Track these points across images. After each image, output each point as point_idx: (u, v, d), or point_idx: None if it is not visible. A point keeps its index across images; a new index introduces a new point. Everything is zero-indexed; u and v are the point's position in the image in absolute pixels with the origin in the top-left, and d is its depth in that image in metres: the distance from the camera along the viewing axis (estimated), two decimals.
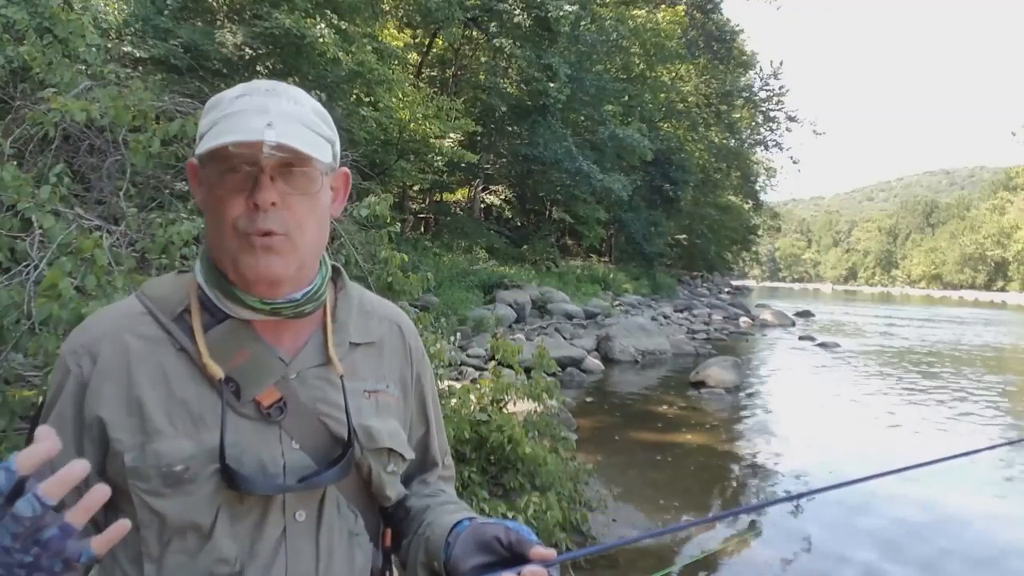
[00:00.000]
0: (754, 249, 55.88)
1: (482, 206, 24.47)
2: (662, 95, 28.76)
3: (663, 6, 28.28)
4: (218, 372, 0.86)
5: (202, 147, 0.84)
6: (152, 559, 0.83)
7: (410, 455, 1.01)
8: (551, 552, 0.81)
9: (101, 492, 0.65)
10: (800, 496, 1.06)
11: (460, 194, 24.41)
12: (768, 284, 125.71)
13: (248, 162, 0.83)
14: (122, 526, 0.66)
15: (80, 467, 0.63)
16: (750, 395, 10.28)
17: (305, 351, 0.94)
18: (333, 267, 1.00)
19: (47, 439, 0.65)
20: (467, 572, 0.83)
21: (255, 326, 0.91)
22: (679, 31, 26.80)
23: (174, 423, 0.84)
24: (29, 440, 0.90)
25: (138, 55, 9.38)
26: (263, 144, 0.80)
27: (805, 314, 28.74)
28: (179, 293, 0.91)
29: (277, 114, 0.84)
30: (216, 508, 0.83)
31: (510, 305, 14.33)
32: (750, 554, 4.58)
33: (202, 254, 0.93)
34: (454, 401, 4.03)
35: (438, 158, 16.94)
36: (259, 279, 0.86)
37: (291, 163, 0.85)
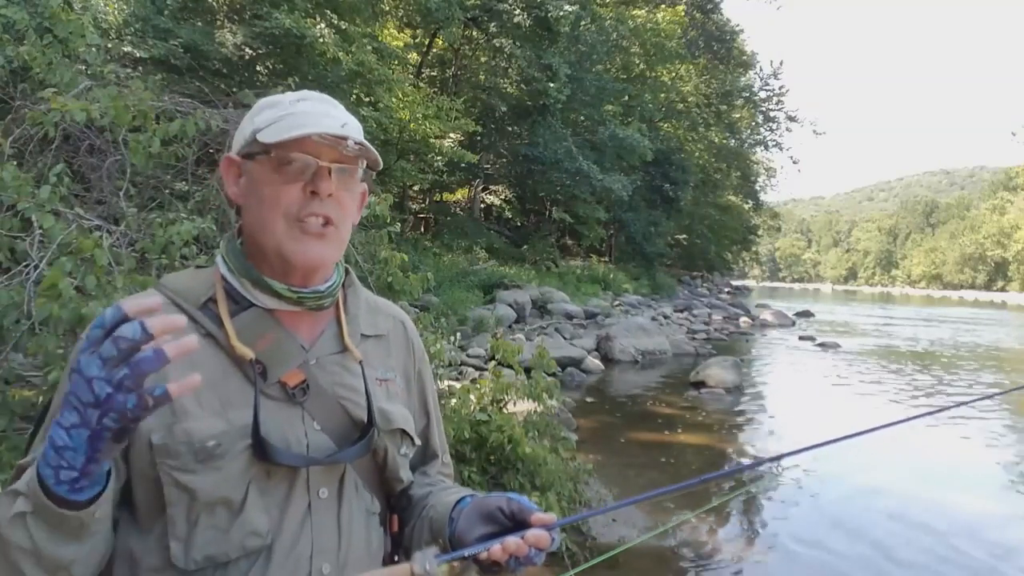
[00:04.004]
0: (754, 249, 55.80)
1: (482, 206, 24.46)
2: (662, 95, 28.73)
3: (663, 6, 28.23)
4: (248, 353, 0.90)
5: (273, 136, 0.89)
6: (179, 539, 0.85)
7: (418, 440, 1.07)
8: (551, 516, 0.86)
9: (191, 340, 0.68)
10: (779, 457, 1.17)
11: (460, 194, 24.40)
12: (768, 284, 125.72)
13: (312, 154, 0.90)
14: (196, 379, 0.69)
15: (181, 319, 0.67)
16: (750, 395, 10.28)
17: (323, 339, 0.99)
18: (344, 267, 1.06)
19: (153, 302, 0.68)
20: (472, 542, 0.87)
21: (276, 315, 0.95)
22: (679, 31, 26.74)
23: (202, 404, 0.87)
24: (31, 442, 0.90)
25: (138, 55, 9.37)
26: (348, 139, 0.90)
27: (805, 314, 28.73)
28: (203, 284, 0.95)
29: (343, 119, 0.93)
30: (247, 483, 0.86)
31: (510, 305, 14.31)
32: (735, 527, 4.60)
33: (227, 248, 0.97)
34: (454, 401, 4.02)
35: (438, 158, 16.94)
36: (304, 264, 0.92)
37: (344, 162, 0.92)
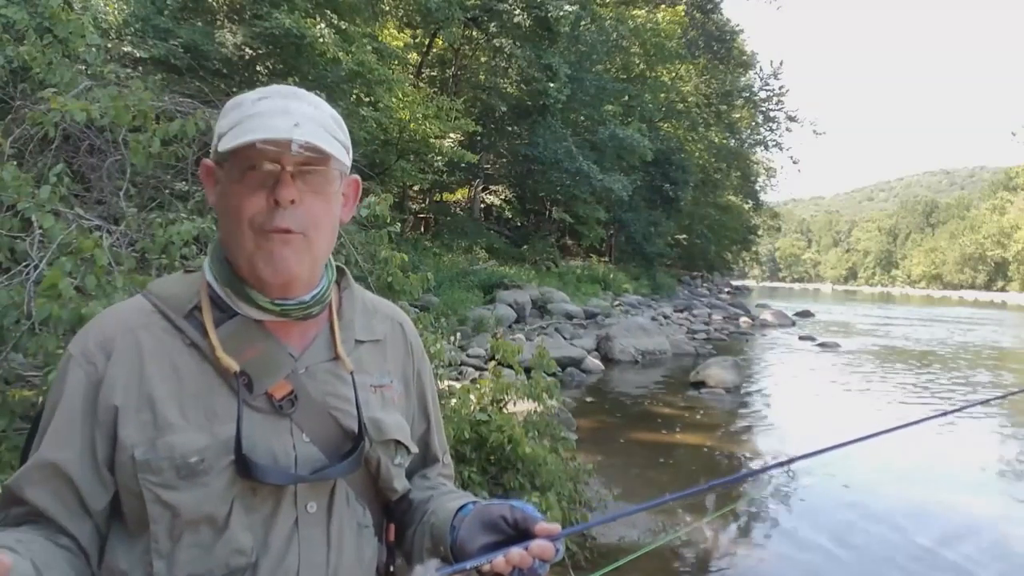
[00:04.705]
0: (754, 249, 55.84)
1: (482, 206, 24.45)
2: (662, 95, 28.73)
3: (663, 6, 28.25)
4: (233, 365, 0.87)
5: (226, 144, 0.84)
6: (162, 556, 0.83)
7: (414, 448, 1.03)
8: (556, 526, 0.84)
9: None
10: (790, 461, 1.13)
11: (460, 194, 24.41)
12: (768, 284, 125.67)
13: (271, 160, 0.84)
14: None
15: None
16: (750, 395, 10.28)
17: (314, 347, 0.95)
18: (337, 268, 1.02)
19: None
20: (475, 552, 0.84)
21: (264, 323, 0.92)
22: (679, 31, 26.77)
23: (186, 416, 0.85)
24: (28, 445, 0.89)
25: (138, 55, 9.37)
26: (291, 142, 0.82)
27: (805, 314, 28.76)
28: (189, 291, 0.92)
29: (301, 115, 0.86)
30: (231, 500, 0.84)
31: (510, 305, 14.31)
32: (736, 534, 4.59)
33: (212, 253, 0.94)
34: (454, 401, 4.02)
35: (438, 158, 16.94)
36: (275, 277, 0.87)
37: (311, 163, 0.86)
